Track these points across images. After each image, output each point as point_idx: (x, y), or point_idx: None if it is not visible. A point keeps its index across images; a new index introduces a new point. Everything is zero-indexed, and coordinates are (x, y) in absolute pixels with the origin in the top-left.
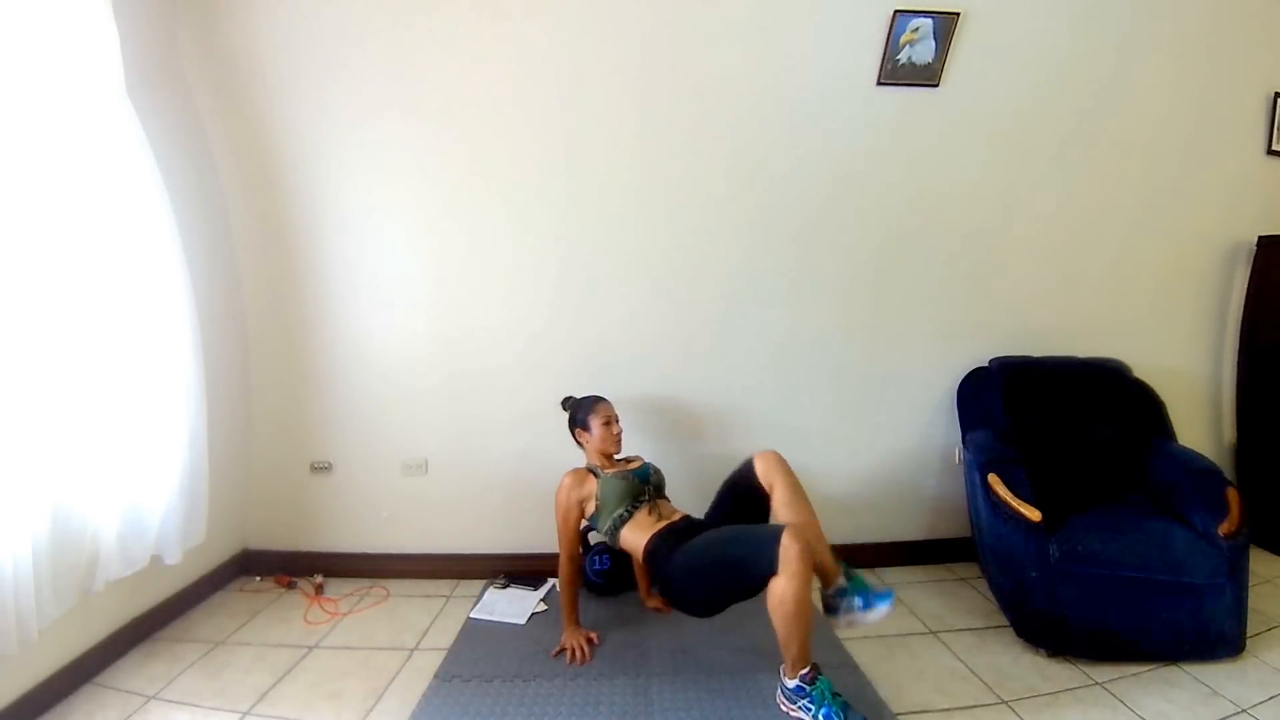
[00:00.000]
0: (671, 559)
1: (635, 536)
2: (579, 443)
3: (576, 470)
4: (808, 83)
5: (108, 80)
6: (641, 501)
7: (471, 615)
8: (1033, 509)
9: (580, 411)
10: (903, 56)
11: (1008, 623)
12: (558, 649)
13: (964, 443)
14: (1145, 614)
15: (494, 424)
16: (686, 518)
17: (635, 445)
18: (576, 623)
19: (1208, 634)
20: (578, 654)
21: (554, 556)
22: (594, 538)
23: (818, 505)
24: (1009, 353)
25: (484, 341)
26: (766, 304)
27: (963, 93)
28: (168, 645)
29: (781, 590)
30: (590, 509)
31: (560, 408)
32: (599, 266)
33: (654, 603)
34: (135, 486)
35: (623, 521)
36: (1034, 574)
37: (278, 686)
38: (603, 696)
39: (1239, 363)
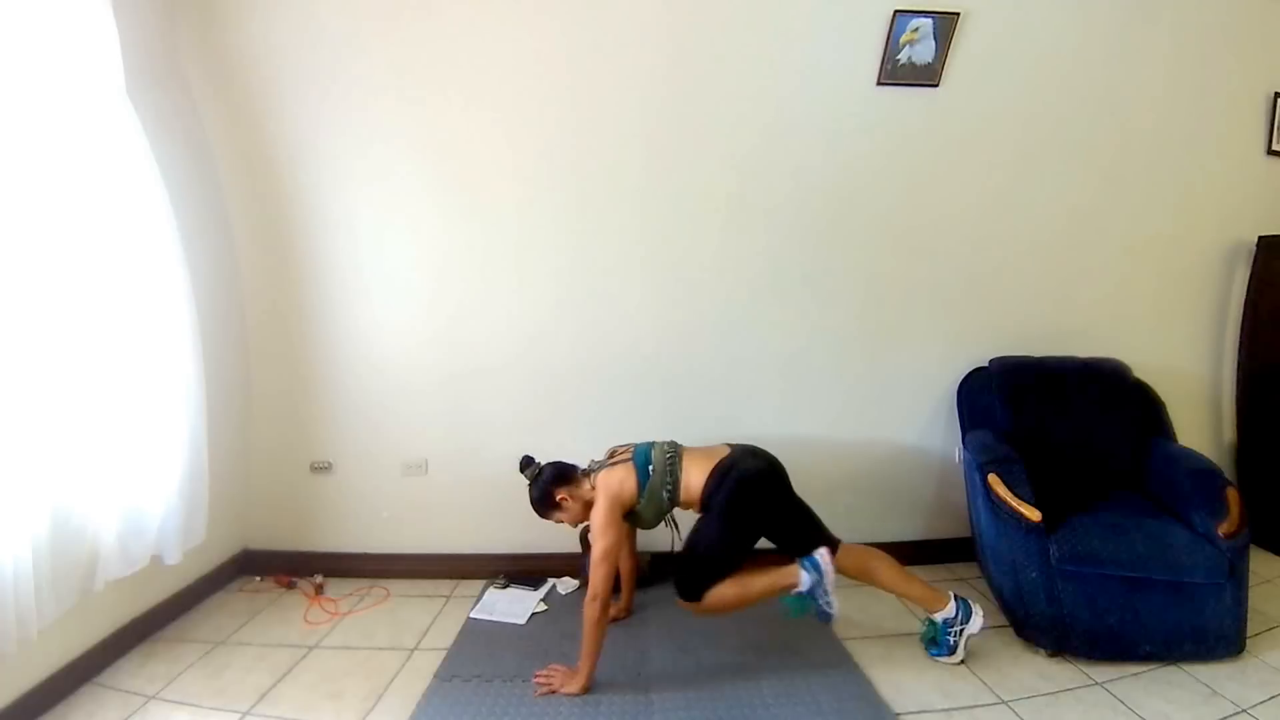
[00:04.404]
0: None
1: (698, 469)
2: (559, 502)
3: (611, 469)
4: (808, 83)
5: (108, 80)
6: (676, 450)
7: (471, 615)
8: (1033, 509)
9: (567, 475)
10: (903, 56)
11: (1008, 623)
12: (571, 690)
13: (964, 443)
14: (1145, 614)
15: (494, 424)
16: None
17: None
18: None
19: (1208, 634)
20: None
21: (554, 556)
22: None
23: (818, 505)
24: (1009, 353)
25: (484, 341)
26: (767, 304)
27: (963, 93)
28: (168, 645)
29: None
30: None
31: (522, 469)
32: (600, 266)
33: (613, 611)
34: (135, 486)
35: (674, 478)
36: (1034, 574)
37: (278, 686)
38: (603, 696)
39: (1239, 363)
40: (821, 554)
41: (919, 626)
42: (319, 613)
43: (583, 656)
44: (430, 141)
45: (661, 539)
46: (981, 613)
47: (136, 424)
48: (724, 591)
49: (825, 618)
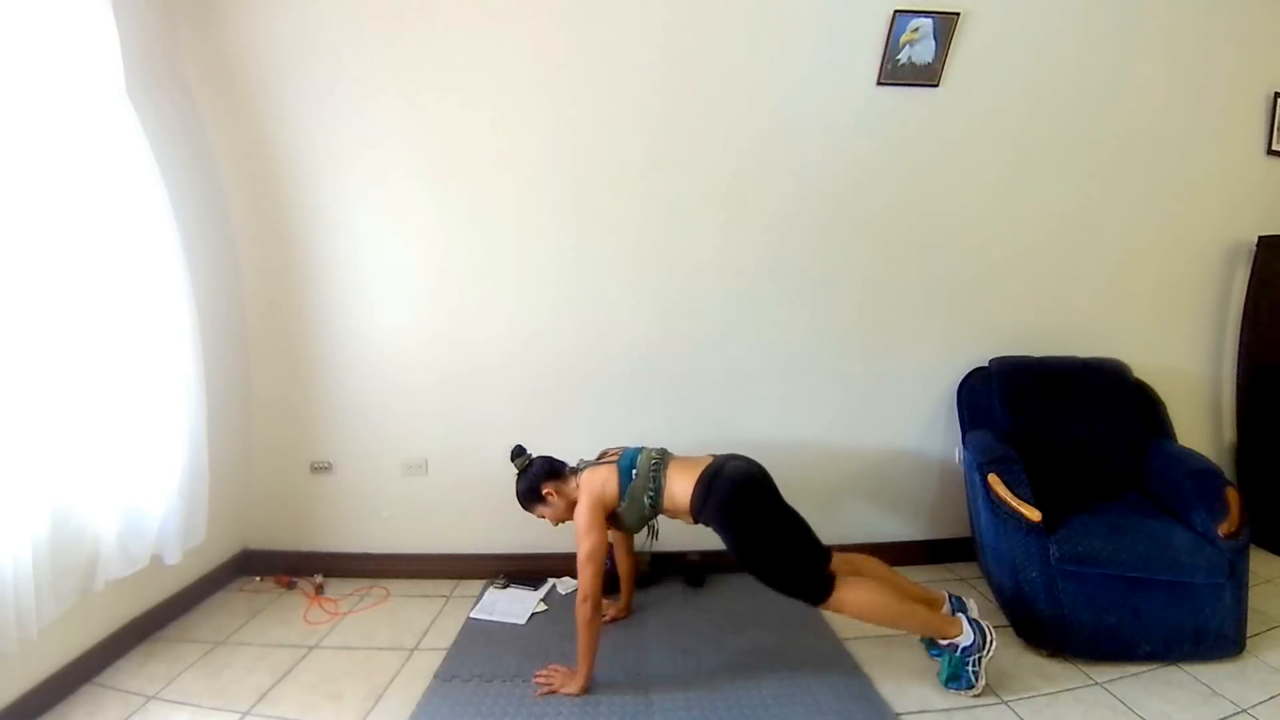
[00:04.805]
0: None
1: (683, 478)
2: (544, 497)
3: (595, 469)
4: (808, 83)
5: (108, 80)
6: (663, 458)
7: (471, 615)
8: (1033, 509)
9: (557, 471)
10: (903, 56)
11: (1008, 623)
12: (570, 691)
13: (964, 443)
14: (1145, 614)
15: (494, 424)
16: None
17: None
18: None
19: (1208, 634)
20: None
21: (554, 556)
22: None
23: (818, 505)
24: (1009, 353)
25: (484, 341)
26: (767, 304)
27: (963, 93)
28: (168, 645)
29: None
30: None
31: (513, 458)
32: (600, 266)
33: (612, 611)
34: (135, 486)
35: (657, 485)
36: (1034, 574)
37: (278, 686)
38: (603, 697)
39: (1239, 363)
40: (989, 625)
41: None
42: (319, 613)
43: (579, 658)
44: (430, 141)
45: (665, 538)
46: (968, 633)
47: (136, 424)
48: (869, 597)
49: (959, 685)
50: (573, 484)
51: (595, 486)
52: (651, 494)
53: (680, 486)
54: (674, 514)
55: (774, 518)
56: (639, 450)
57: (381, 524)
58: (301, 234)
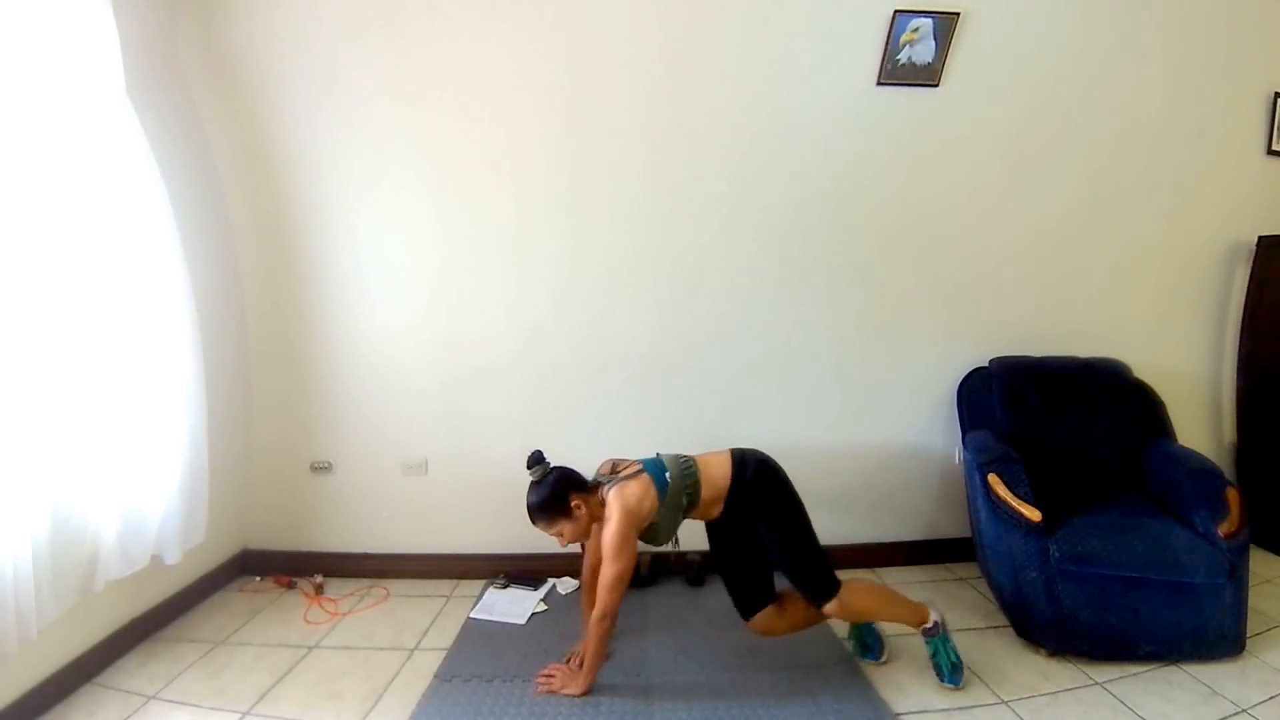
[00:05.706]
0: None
1: (716, 462)
2: (572, 510)
3: (625, 484)
4: (808, 83)
5: (108, 80)
6: (689, 459)
7: (471, 615)
8: (1033, 509)
9: (581, 484)
10: (903, 56)
11: (1008, 623)
12: (571, 692)
13: (964, 443)
14: (1145, 614)
15: (494, 424)
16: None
17: (635, 450)
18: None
19: (1208, 634)
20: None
21: (554, 556)
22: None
23: (819, 505)
24: (1009, 353)
25: (484, 341)
26: (768, 304)
27: (962, 93)
28: (168, 645)
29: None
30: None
31: (529, 466)
32: (600, 267)
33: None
34: (135, 486)
35: (693, 479)
36: (1034, 574)
37: (278, 686)
38: (603, 696)
39: (1239, 362)
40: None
41: (924, 648)
42: (319, 613)
43: (585, 665)
44: (429, 141)
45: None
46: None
47: (136, 424)
48: (863, 598)
49: (952, 675)
50: (597, 499)
51: (630, 502)
52: (689, 493)
53: (718, 469)
54: (708, 504)
55: (798, 502)
56: (656, 459)
57: (381, 524)
58: (301, 234)
